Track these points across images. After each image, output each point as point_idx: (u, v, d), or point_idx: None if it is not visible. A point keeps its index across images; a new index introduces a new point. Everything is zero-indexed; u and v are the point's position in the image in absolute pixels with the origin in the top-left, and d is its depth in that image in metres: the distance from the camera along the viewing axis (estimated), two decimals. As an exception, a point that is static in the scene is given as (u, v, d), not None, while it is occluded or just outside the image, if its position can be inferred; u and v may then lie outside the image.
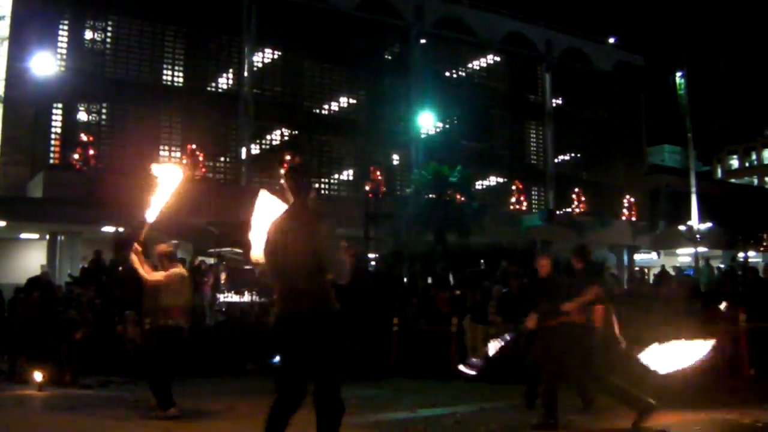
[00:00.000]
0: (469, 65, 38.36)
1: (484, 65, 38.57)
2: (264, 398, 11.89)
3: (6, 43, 28.30)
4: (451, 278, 22.42)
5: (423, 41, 35.30)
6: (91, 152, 26.24)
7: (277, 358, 5.54)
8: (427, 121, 33.84)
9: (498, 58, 38.49)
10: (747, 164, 74.90)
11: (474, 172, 32.18)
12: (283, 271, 5.28)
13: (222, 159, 30.72)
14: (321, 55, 32.70)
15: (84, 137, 26.49)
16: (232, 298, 20.11)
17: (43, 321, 15.59)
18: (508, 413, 9.92)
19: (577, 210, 37.43)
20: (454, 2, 36.86)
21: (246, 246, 5.88)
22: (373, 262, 23.51)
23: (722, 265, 30.99)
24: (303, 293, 5.18)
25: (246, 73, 30.89)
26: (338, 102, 33.69)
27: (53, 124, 27.12)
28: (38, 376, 12.59)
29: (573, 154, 40.68)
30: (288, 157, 30.41)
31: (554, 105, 39.86)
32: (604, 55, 42.00)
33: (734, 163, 75.22)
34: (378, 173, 31.19)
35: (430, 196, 29.73)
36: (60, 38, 27.50)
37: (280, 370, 5.37)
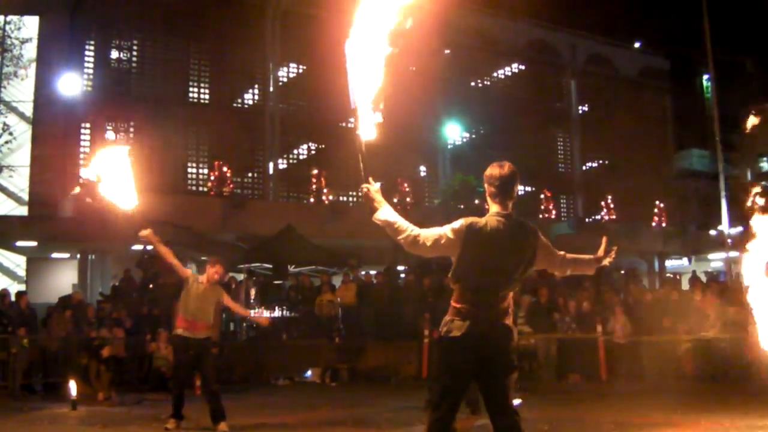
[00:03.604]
0: (494, 74, 38.29)
1: (509, 74, 38.47)
2: (295, 414, 11.94)
3: (33, 65, 28.58)
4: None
5: (447, 51, 35.25)
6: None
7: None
8: (454, 132, 33.80)
9: (522, 67, 38.38)
10: (777, 167, 74.19)
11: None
12: (488, 280, 5.08)
13: (250, 174, 30.81)
14: (345, 68, 32.68)
15: (112, 156, 26.66)
16: (263, 313, 20.15)
17: (76, 340, 15.70)
18: (536, 424, 9.84)
19: (606, 217, 37.22)
20: (476, 11, 36.80)
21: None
22: (402, 275, 23.45)
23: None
24: (503, 307, 5.07)
25: (271, 88, 30.99)
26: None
27: (82, 143, 27.32)
28: (72, 394, 12.66)
29: (600, 161, 40.46)
30: (315, 171, 30.51)
31: (580, 112, 39.69)
32: (629, 60, 41.77)
33: (764, 165, 74.54)
34: (405, 185, 31.18)
35: (459, 206, 29.67)
36: (86, 59, 27.74)
37: (449, 387, 5.10)
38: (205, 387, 9.90)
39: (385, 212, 5.28)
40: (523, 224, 5.24)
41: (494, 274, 5.06)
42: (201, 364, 9.85)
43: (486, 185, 5.30)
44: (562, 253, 5.36)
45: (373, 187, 5.39)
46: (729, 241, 33.97)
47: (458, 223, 5.15)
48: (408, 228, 5.21)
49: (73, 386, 12.68)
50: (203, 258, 26.79)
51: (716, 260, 38.48)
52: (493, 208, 5.24)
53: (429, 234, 5.19)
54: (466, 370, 5.03)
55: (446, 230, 5.15)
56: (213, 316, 10.24)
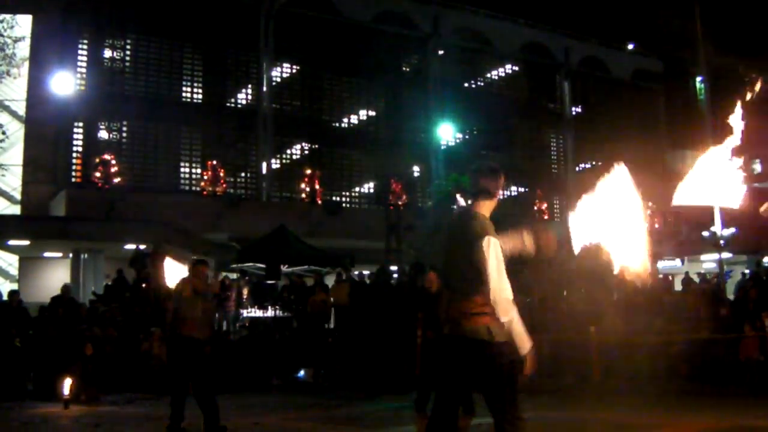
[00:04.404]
0: (488, 75, 38.32)
1: (503, 75, 38.51)
2: (289, 413, 11.90)
3: (26, 64, 28.51)
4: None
5: (441, 52, 35.27)
6: (113, 170, 26.38)
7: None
8: (447, 132, 33.79)
9: (516, 68, 38.42)
10: (770, 168, 74.23)
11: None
12: (450, 279, 5.07)
13: (243, 174, 30.79)
14: (339, 69, 32.72)
15: (105, 155, 26.64)
16: (256, 313, 20.12)
17: (68, 338, 15.64)
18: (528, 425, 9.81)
19: (600, 218, 37.26)
20: (471, 12, 36.84)
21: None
22: (395, 275, 23.43)
23: (747, 271, 30.72)
24: (469, 308, 4.86)
25: (265, 88, 30.97)
26: (357, 115, 33.70)
27: (74, 142, 27.29)
28: (64, 393, 12.62)
29: (594, 162, 40.49)
30: (308, 171, 30.50)
31: (574, 113, 39.74)
32: (622, 62, 41.85)
33: (757, 167, 74.71)
34: (398, 185, 31.18)
35: (452, 207, 29.66)
36: (79, 58, 27.69)
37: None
38: (198, 388, 9.75)
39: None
40: (471, 222, 5.07)
41: (451, 272, 5.05)
42: (195, 365, 9.70)
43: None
44: (497, 292, 4.81)
45: None
46: (722, 242, 34.00)
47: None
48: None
49: (65, 385, 12.64)
50: (195, 258, 26.79)
51: (709, 261, 38.53)
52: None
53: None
54: (445, 371, 4.96)
55: None
56: (202, 315, 10.06)
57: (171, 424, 9.53)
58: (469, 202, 5.24)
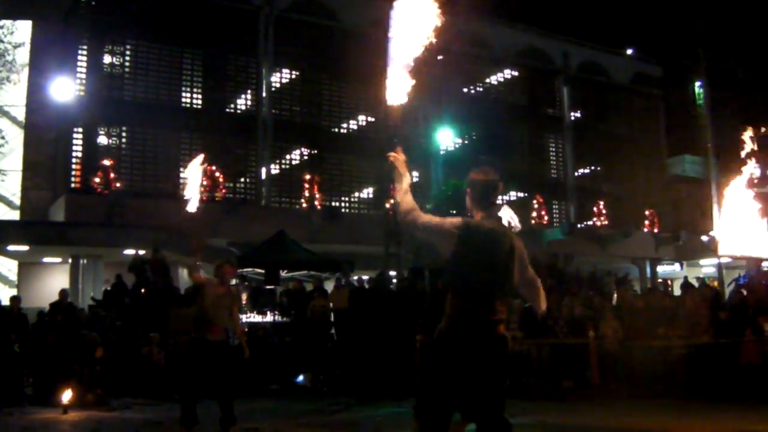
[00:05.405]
0: (487, 80, 38.30)
1: (502, 79, 38.47)
2: (288, 419, 11.89)
3: (26, 70, 28.56)
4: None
5: (440, 57, 35.23)
6: (112, 175, 26.37)
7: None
8: (446, 138, 33.76)
9: (515, 72, 38.40)
10: (769, 173, 74.30)
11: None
12: (478, 284, 4.99)
13: (242, 179, 30.76)
14: (338, 74, 32.68)
15: (104, 161, 26.63)
16: (255, 318, 20.10)
17: (67, 343, 15.64)
18: (527, 429, 9.82)
19: (599, 223, 37.26)
20: (469, 17, 36.82)
21: None
22: (394, 280, 23.42)
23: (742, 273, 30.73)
24: (494, 315, 5.00)
25: (264, 94, 30.95)
26: (357, 120, 33.63)
27: (74, 148, 27.23)
28: (64, 398, 12.61)
29: (593, 167, 40.51)
30: (307, 176, 30.51)
31: (573, 118, 39.71)
32: (621, 67, 41.87)
33: (756, 171, 74.67)
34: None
35: (451, 212, 29.67)
36: (79, 63, 27.63)
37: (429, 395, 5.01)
38: (219, 391, 9.77)
39: (406, 183, 5.37)
40: (508, 232, 5.26)
41: (485, 278, 4.96)
42: (216, 368, 9.69)
43: (469, 190, 5.31)
44: (531, 271, 5.40)
45: (401, 157, 5.55)
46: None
47: (456, 220, 5.13)
48: (415, 206, 5.19)
49: (64, 391, 12.64)
50: (198, 263, 26.74)
51: (708, 266, 38.56)
52: (478, 212, 5.24)
53: (430, 218, 5.16)
54: (449, 372, 4.85)
55: (447, 222, 5.13)
56: (227, 320, 10.10)
57: (183, 419, 9.56)
58: (482, 209, 5.26)
